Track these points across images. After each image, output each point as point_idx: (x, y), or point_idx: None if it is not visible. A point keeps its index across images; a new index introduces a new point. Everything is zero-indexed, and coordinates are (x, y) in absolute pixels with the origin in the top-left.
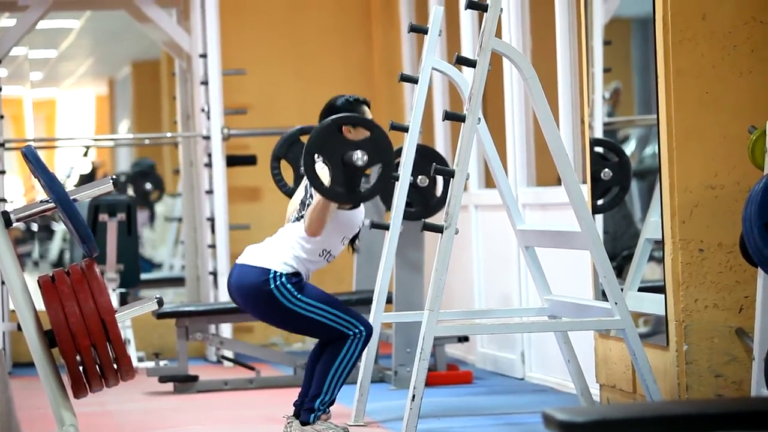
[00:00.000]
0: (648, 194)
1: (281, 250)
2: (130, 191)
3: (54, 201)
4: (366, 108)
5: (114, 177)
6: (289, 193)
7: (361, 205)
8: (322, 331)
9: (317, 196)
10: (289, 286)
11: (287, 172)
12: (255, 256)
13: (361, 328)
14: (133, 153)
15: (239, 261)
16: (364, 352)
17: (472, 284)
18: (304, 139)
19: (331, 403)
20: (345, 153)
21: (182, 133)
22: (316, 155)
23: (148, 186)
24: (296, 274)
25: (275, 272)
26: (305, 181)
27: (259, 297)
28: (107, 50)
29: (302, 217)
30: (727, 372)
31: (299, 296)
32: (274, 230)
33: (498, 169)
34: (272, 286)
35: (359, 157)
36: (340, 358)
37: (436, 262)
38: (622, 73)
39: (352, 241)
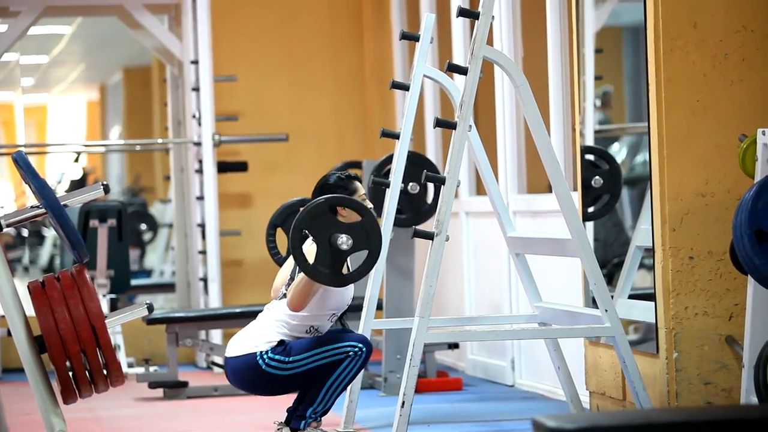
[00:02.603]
0: (639, 202)
1: (265, 330)
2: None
3: (44, 206)
4: (358, 183)
5: (105, 183)
6: (280, 263)
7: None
8: (327, 370)
9: (302, 273)
10: (277, 357)
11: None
12: (238, 345)
13: (360, 345)
14: (124, 159)
15: (227, 354)
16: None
17: (462, 291)
18: None
19: (324, 413)
20: (332, 234)
21: (173, 140)
22: (305, 231)
23: (143, 227)
24: (280, 342)
25: (261, 352)
26: None
27: (257, 379)
28: (98, 56)
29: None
30: (717, 379)
31: (290, 360)
32: (263, 236)
33: (489, 177)
34: (263, 365)
35: (344, 241)
36: (338, 372)
37: (427, 269)
38: (614, 81)
39: (341, 317)
